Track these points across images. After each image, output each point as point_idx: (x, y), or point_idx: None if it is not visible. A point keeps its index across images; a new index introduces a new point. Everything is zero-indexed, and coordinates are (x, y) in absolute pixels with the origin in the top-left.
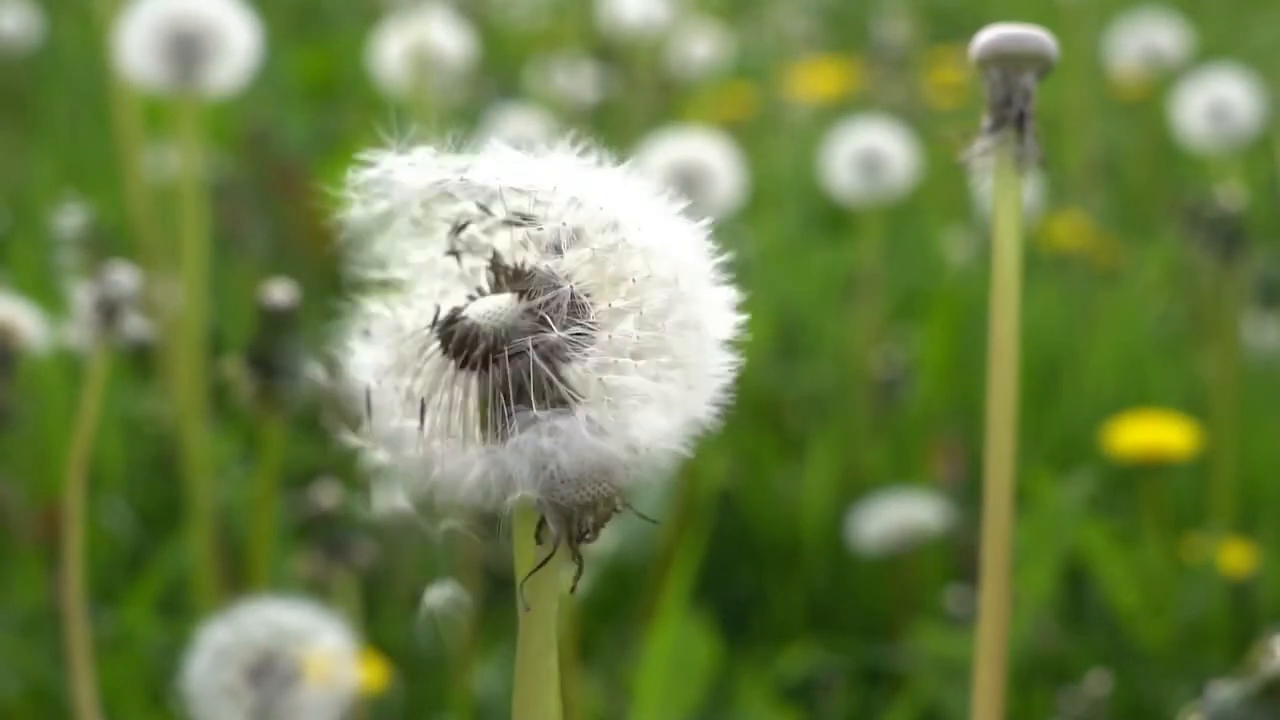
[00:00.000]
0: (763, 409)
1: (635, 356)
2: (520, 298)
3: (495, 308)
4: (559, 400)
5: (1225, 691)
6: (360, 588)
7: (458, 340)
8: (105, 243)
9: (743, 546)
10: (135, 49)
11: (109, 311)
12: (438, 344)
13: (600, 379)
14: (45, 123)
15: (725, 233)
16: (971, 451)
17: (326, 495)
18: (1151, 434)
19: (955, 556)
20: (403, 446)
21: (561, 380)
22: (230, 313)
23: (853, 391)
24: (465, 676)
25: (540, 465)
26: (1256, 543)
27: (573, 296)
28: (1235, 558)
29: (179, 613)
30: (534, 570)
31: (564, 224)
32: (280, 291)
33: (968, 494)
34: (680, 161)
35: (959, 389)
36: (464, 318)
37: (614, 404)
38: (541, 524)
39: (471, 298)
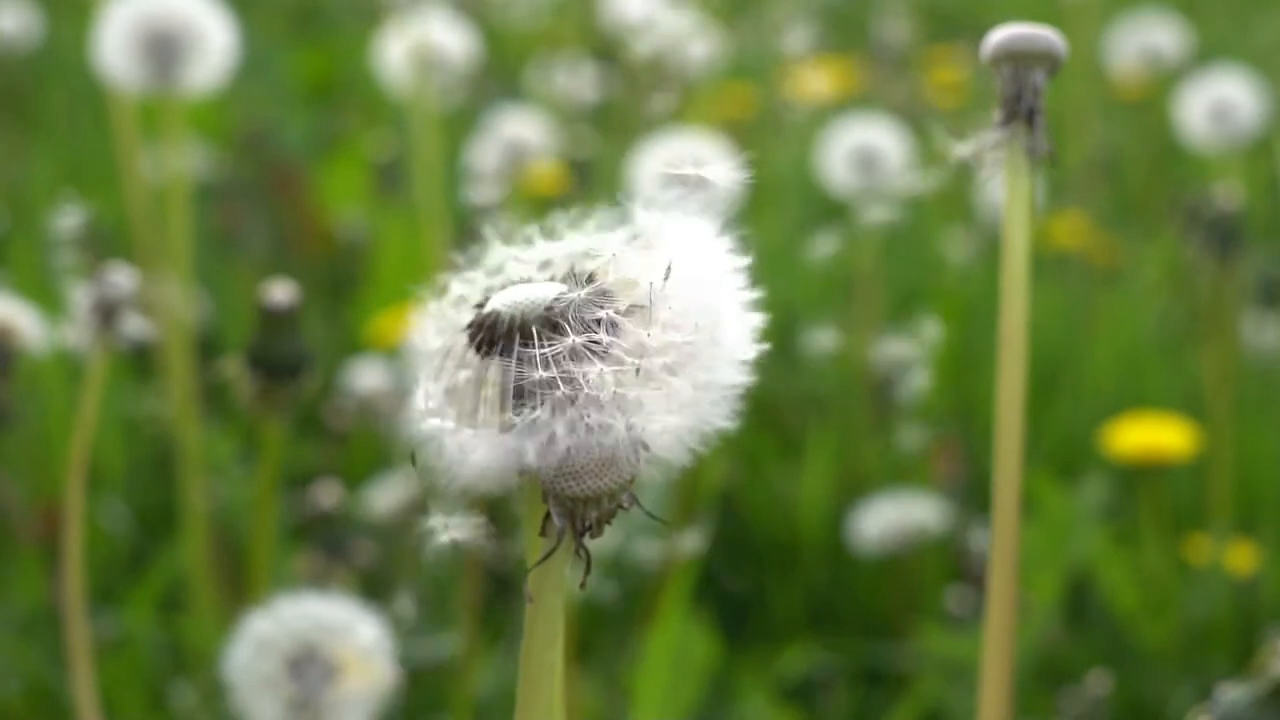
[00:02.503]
0: (763, 409)
1: (652, 357)
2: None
3: (519, 297)
4: (572, 391)
5: (1233, 693)
6: (360, 588)
7: (479, 327)
8: (103, 243)
9: (743, 546)
10: (112, 50)
11: (107, 313)
12: (466, 332)
13: (615, 375)
14: (45, 123)
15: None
16: (971, 451)
17: (326, 495)
18: (1151, 435)
19: (955, 557)
20: (430, 434)
21: (576, 372)
22: (230, 313)
23: (853, 391)
24: (465, 676)
25: (545, 454)
26: (1257, 543)
27: (598, 295)
28: (1236, 558)
29: (178, 613)
30: (538, 563)
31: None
32: (280, 291)
33: (968, 494)
34: (678, 162)
35: (959, 389)
36: (489, 306)
37: (625, 400)
38: (547, 517)
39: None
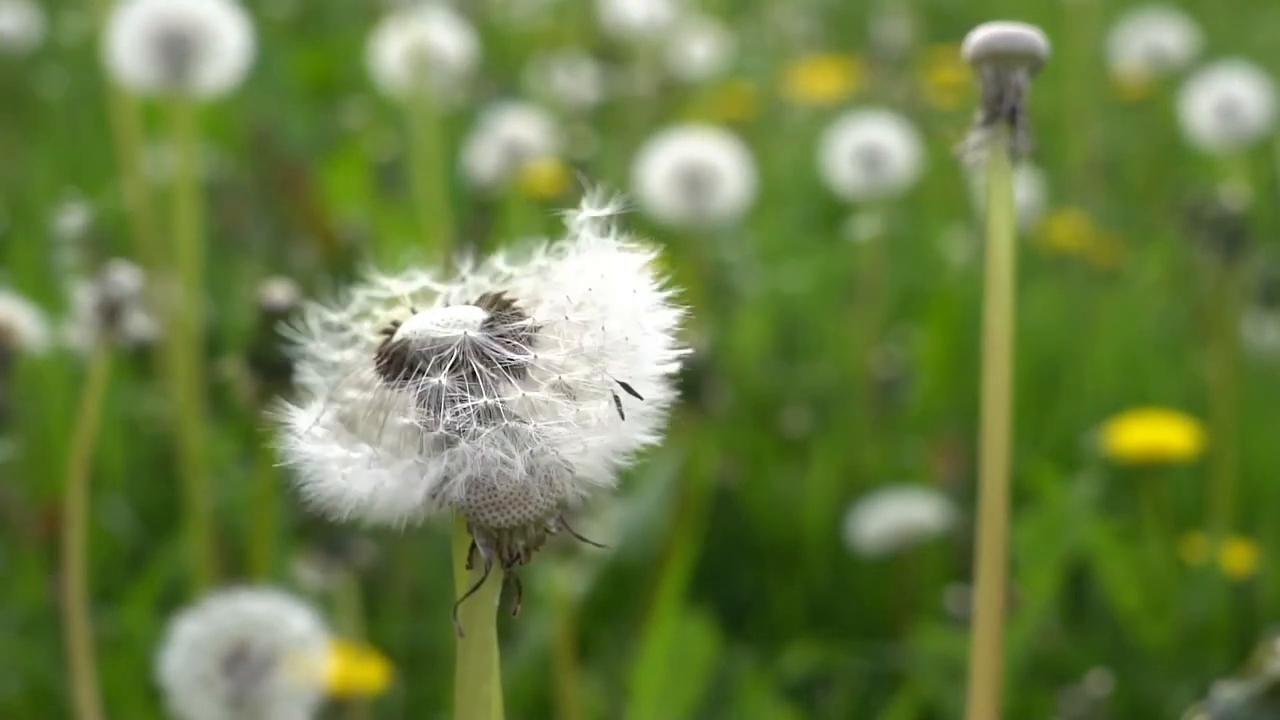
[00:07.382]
0: (763, 409)
1: (568, 378)
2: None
3: (429, 323)
4: (489, 419)
5: (1230, 692)
6: (360, 588)
7: (386, 355)
8: (104, 242)
9: (743, 546)
10: (126, 49)
11: (110, 312)
12: (374, 359)
13: (532, 400)
14: (45, 123)
15: (726, 233)
16: (972, 451)
17: None
18: (1152, 434)
19: (955, 556)
20: (334, 464)
21: (492, 400)
22: (230, 312)
23: (853, 391)
24: None
25: (465, 486)
26: (1257, 542)
27: (511, 319)
28: (1236, 558)
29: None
30: (465, 596)
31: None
32: (280, 291)
33: (968, 494)
34: (687, 161)
35: (959, 389)
36: (396, 334)
37: (542, 425)
38: (473, 549)
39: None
